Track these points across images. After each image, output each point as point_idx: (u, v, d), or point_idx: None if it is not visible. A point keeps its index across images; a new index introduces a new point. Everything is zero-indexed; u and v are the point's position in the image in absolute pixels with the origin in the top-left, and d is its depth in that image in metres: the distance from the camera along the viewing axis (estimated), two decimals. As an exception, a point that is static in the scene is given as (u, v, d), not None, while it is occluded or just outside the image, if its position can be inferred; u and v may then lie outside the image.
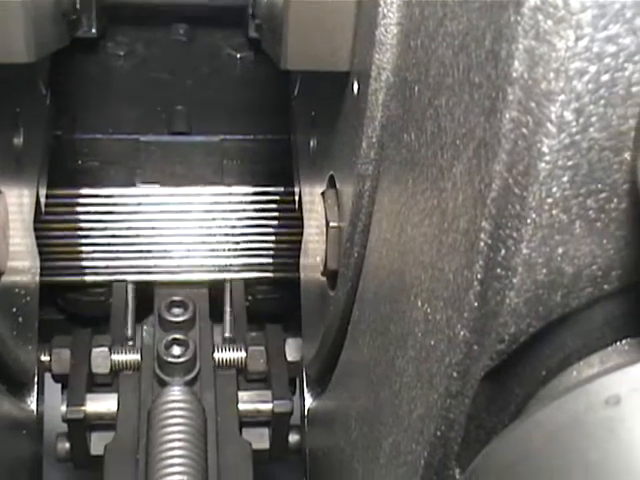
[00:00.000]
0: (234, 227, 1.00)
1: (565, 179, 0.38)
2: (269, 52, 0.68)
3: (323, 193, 0.70)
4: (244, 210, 0.99)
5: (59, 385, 0.91)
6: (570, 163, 0.38)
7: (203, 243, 1.00)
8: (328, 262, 0.69)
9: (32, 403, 0.84)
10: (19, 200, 0.76)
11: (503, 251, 0.40)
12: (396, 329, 0.53)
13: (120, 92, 1.03)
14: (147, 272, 0.99)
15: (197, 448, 0.79)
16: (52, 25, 0.68)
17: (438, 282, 0.46)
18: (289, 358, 0.92)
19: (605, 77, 0.37)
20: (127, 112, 1.00)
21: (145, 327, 0.94)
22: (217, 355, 0.91)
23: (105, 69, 1.03)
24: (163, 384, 0.85)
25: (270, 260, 1.01)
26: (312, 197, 0.78)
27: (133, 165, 0.98)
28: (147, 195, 0.97)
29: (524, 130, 0.38)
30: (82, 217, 0.97)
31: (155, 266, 0.99)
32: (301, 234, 0.84)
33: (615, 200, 0.39)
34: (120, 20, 1.03)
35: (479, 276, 0.41)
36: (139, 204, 0.97)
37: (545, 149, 0.38)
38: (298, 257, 0.85)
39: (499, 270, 0.41)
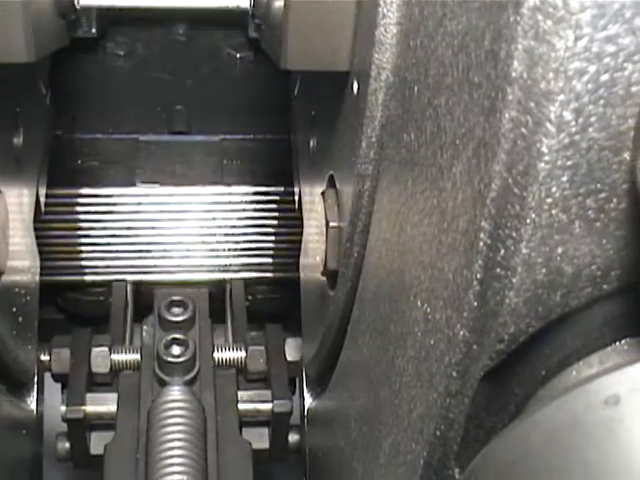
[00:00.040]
0: (234, 227, 1.00)
1: (564, 179, 0.38)
2: (269, 52, 0.68)
3: (323, 193, 0.70)
4: (244, 210, 0.99)
5: (59, 385, 0.91)
6: (569, 163, 0.38)
7: (203, 243, 1.00)
8: (328, 262, 0.69)
9: (32, 403, 0.84)
10: (19, 200, 0.76)
11: (502, 251, 0.40)
12: (396, 329, 0.53)
13: (120, 92, 1.02)
14: (147, 272, 0.99)
15: (197, 448, 0.79)
16: (52, 25, 0.68)
17: (438, 282, 0.46)
18: (289, 358, 0.92)
19: (604, 77, 0.37)
20: (127, 112, 1.00)
21: (145, 327, 0.94)
22: (217, 355, 0.91)
23: (105, 69, 1.03)
24: (163, 384, 0.85)
25: (270, 260, 1.01)
26: (312, 197, 0.78)
27: (133, 165, 0.98)
28: (147, 195, 0.98)
29: (523, 130, 0.38)
30: (82, 217, 0.97)
31: (155, 266, 0.99)
32: (301, 234, 0.84)
33: (614, 200, 0.39)
34: (120, 20, 1.03)
35: (478, 276, 0.41)
36: (139, 204, 0.97)
37: (544, 149, 0.38)
38: (298, 257, 0.85)
39: (498, 270, 0.41)
